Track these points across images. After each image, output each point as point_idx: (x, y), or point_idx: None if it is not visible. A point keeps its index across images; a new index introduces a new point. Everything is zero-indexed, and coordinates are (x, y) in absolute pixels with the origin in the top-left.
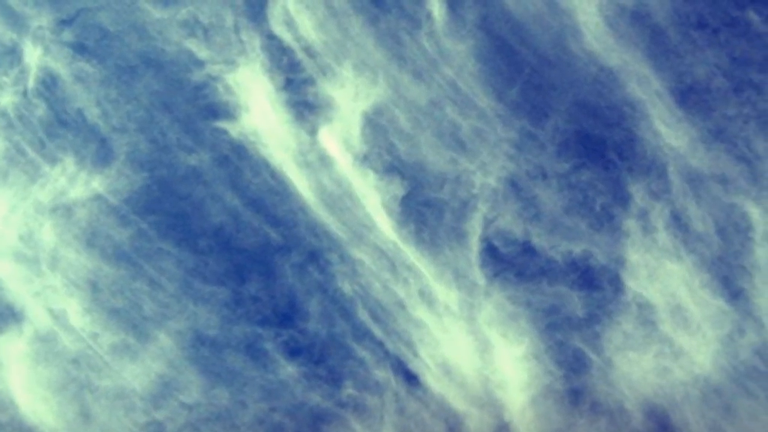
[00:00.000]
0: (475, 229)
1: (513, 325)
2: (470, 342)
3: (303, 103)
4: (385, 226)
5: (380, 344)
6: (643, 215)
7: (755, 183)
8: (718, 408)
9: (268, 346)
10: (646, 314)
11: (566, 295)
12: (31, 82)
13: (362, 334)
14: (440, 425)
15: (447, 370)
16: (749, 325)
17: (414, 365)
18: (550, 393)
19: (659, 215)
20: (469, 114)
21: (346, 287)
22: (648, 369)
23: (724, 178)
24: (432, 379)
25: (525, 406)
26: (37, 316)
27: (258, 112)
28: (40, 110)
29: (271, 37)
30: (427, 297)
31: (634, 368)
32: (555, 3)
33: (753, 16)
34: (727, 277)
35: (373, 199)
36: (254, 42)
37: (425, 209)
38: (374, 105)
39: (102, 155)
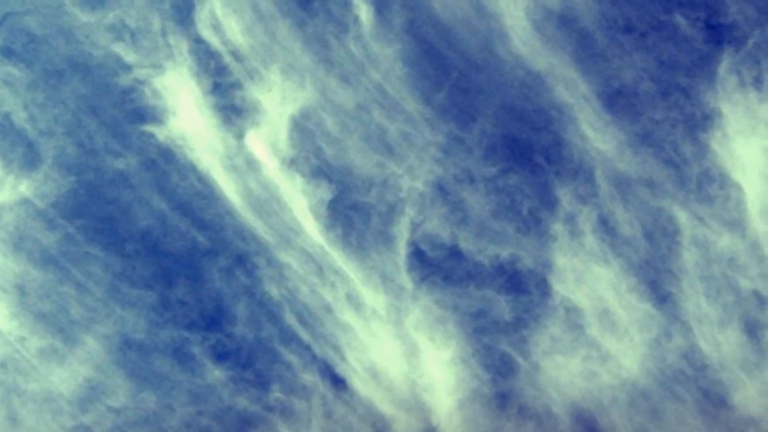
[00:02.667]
0: (402, 232)
1: (440, 329)
2: (397, 346)
3: (230, 107)
4: (313, 229)
5: (307, 348)
6: (571, 219)
7: (682, 187)
8: (645, 411)
9: (196, 350)
10: (573, 318)
11: (493, 299)
12: None
13: (289, 338)
14: (367, 429)
15: (374, 373)
16: (676, 329)
17: (341, 369)
18: (478, 397)
19: (586, 219)
20: (397, 118)
21: (274, 291)
22: (575, 373)
23: (651, 181)
24: (359, 383)
25: (452, 410)
26: None
27: (185, 115)
28: None
29: (198, 41)
30: (354, 301)
31: (561, 372)
32: (482, 7)
33: (680, 19)
34: (655, 281)
35: (301, 203)
36: (181, 46)
37: (352, 213)
38: (301, 109)
39: (29, 159)
